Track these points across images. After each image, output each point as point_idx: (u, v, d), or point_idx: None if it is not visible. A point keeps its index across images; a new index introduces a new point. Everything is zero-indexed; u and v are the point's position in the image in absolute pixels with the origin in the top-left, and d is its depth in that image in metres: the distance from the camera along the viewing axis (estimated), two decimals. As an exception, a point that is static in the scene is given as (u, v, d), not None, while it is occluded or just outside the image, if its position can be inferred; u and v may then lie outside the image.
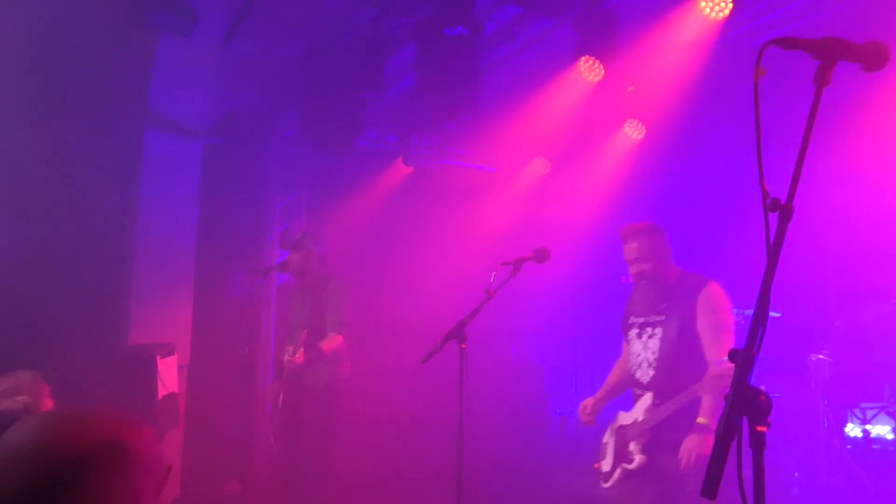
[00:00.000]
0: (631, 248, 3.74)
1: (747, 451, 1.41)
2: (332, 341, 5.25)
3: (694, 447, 3.33)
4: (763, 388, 1.54)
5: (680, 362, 3.58)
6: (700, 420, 3.36)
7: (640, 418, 3.61)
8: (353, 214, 7.15)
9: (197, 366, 6.41)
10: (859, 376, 5.37)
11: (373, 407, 6.13)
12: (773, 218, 1.56)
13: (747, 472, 1.39)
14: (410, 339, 6.24)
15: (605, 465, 3.78)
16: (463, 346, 3.48)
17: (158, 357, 5.80)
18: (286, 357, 5.36)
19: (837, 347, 5.40)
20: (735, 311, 5.96)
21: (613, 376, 4.07)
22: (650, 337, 3.74)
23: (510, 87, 6.29)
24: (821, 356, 5.36)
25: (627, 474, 3.62)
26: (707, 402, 3.38)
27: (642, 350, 3.76)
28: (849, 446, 5.36)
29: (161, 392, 5.78)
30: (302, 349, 5.19)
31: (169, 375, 5.94)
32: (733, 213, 6.52)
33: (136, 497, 1.18)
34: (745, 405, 1.42)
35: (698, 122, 6.18)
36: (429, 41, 5.19)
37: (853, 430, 5.51)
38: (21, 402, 3.21)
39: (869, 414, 5.54)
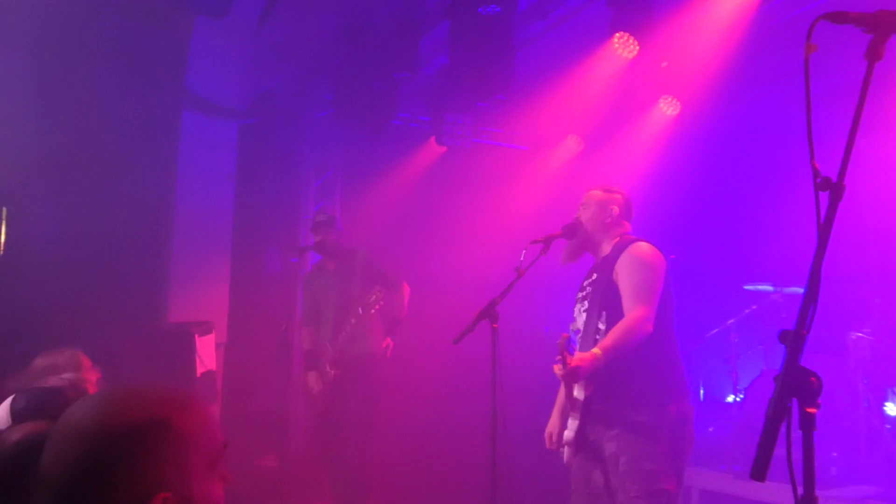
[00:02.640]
0: (583, 196, 3.66)
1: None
2: (401, 296, 5.51)
3: (577, 363, 3.10)
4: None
5: (604, 331, 3.35)
6: (595, 349, 3.18)
7: (581, 396, 3.37)
8: (386, 193, 7.17)
9: (234, 343, 6.52)
10: (900, 355, 5.29)
11: (406, 387, 6.19)
12: (824, 196, 1.54)
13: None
14: (444, 319, 6.27)
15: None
16: (495, 325, 3.44)
17: (196, 335, 5.91)
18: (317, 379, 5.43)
19: (878, 325, 5.31)
20: (773, 288, 5.94)
21: None
22: (583, 313, 3.53)
23: (543, 64, 6.24)
24: (860, 334, 5.28)
25: (570, 451, 3.44)
26: (607, 339, 3.22)
27: (580, 326, 3.53)
28: (888, 426, 5.30)
29: (199, 369, 5.90)
30: (388, 342, 5.34)
31: (207, 353, 6.05)
32: (771, 189, 6.43)
33: (185, 472, 1.21)
34: (796, 386, 1.42)
35: (735, 97, 6.08)
36: (462, 19, 5.16)
37: (893, 409, 5.44)
38: (67, 378, 3.30)
39: (910, 393, 5.46)
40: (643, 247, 3.44)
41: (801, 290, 5.87)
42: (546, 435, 3.59)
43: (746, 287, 6.17)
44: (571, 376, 3.20)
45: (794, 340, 1.46)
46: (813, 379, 1.43)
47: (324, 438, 5.61)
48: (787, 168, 6.30)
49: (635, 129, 6.70)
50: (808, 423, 1.42)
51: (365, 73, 6.04)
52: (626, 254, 3.43)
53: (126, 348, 5.17)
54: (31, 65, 5.76)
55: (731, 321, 6.06)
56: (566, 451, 3.46)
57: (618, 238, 3.57)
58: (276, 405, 6.16)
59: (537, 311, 7.34)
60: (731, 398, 6.29)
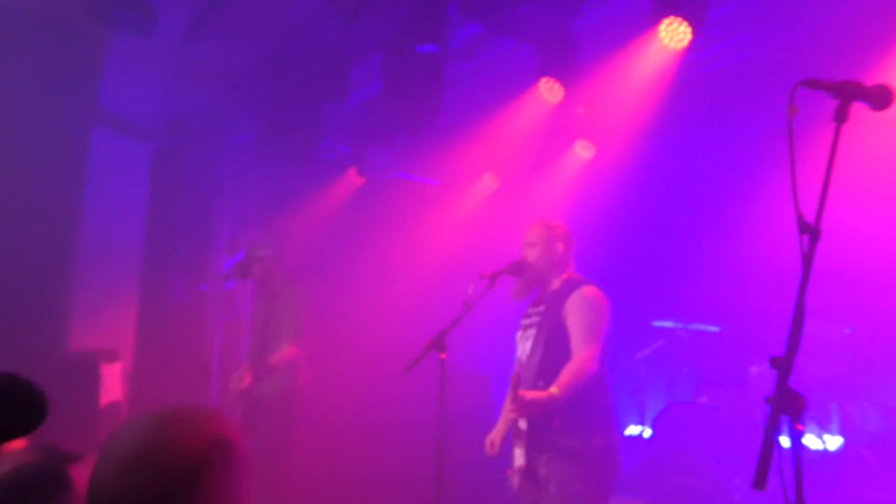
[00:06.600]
0: (527, 234, 3.85)
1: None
2: (284, 353, 5.25)
3: (532, 397, 3.27)
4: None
5: (544, 363, 3.55)
6: (552, 388, 3.33)
7: (524, 426, 3.53)
8: (303, 223, 7.11)
9: (141, 372, 6.26)
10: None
11: (331, 416, 6.10)
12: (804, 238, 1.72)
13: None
14: (363, 348, 6.26)
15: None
16: (443, 356, 3.52)
17: (102, 363, 5.66)
18: (232, 385, 5.25)
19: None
20: (679, 325, 6.28)
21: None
22: (527, 339, 3.71)
23: (466, 102, 6.40)
24: (760, 368, 5.66)
25: (517, 478, 3.56)
26: (563, 378, 3.36)
27: (521, 353, 3.74)
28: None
29: (104, 400, 5.63)
30: (246, 375, 5.16)
31: (113, 382, 5.79)
32: (677, 230, 6.82)
33: (239, 489, 1.22)
34: (786, 405, 1.59)
35: (648, 142, 6.43)
36: (396, 54, 5.25)
37: (786, 440, 5.82)
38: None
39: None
40: (592, 290, 3.68)
41: (704, 327, 6.25)
42: (487, 441, 3.71)
43: (654, 323, 6.49)
44: (526, 410, 3.29)
45: (783, 365, 1.63)
46: (800, 400, 1.60)
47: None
48: (692, 210, 6.72)
49: (552, 170, 6.96)
50: (796, 437, 1.62)
51: (291, 102, 6.03)
52: (577, 294, 3.64)
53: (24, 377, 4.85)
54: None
55: (640, 355, 6.36)
56: (517, 479, 3.56)
57: (566, 275, 3.78)
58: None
59: (451, 345, 7.41)
60: (637, 429, 6.56)
